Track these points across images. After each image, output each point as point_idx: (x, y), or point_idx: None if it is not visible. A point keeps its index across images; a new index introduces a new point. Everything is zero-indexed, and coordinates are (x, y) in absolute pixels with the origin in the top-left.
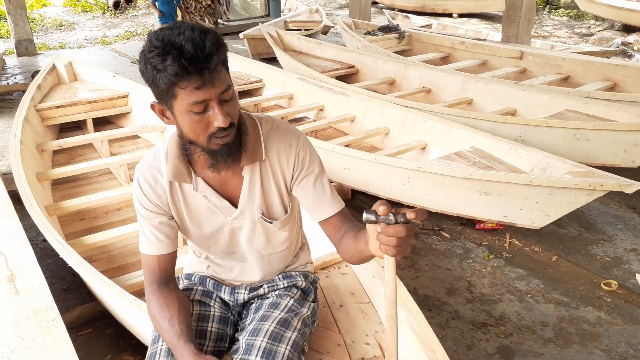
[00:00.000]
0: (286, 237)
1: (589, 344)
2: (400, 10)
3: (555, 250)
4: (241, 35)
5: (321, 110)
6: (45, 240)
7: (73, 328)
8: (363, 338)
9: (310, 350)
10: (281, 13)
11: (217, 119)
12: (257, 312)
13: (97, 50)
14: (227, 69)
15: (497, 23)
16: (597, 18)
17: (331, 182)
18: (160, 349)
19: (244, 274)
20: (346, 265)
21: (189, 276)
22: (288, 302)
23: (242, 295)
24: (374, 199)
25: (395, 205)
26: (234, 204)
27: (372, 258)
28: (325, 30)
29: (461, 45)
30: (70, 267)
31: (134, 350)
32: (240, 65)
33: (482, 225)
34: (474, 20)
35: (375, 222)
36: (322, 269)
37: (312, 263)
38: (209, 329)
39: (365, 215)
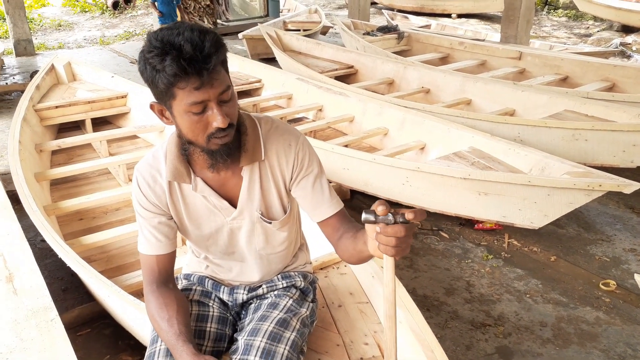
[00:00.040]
0: (285, 237)
1: (587, 344)
2: (399, 11)
3: (554, 251)
4: (240, 35)
5: (320, 110)
6: (43, 241)
7: (72, 328)
8: (362, 338)
9: (309, 351)
10: (280, 13)
11: (216, 120)
12: (256, 312)
13: (95, 50)
14: (226, 70)
15: (496, 23)
16: (595, 18)
17: (330, 182)
18: (159, 349)
19: (242, 274)
20: (345, 266)
21: (187, 276)
22: (287, 302)
23: (241, 296)
24: (373, 199)
25: (394, 206)
26: (233, 204)
27: (370, 258)
28: (324, 31)
29: (460, 46)
30: (68, 267)
31: (132, 351)
32: (239, 66)
33: (480, 225)
34: (472, 21)
35: (374, 222)
36: (321, 269)
37: (311, 263)
38: (208, 329)
39: (364, 216)
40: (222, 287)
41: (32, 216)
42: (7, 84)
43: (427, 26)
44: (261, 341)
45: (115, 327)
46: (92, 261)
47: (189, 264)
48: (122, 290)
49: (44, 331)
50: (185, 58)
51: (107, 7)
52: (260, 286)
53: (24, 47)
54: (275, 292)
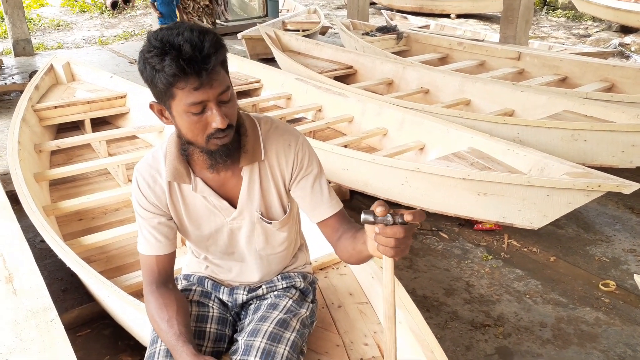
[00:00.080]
0: (285, 237)
1: (587, 344)
2: (398, 11)
3: (553, 251)
4: (239, 35)
5: (319, 110)
6: (43, 241)
7: (71, 329)
8: (362, 339)
9: (309, 351)
10: (279, 13)
11: (215, 120)
12: (255, 312)
13: (94, 50)
14: (226, 70)
15: (495, 24)
16: (594, 19)
17: (329, 183)
18: (159, 350)
19: (242, 274)
20: (345, 266)
21: (187, 277)
22: (287, 302)
23: (241, 296)
24: (373, 199)
25: (393, 206)
26: (233, 205)
27: (370, 258)
28: (324, 31)
29: (459, 46)
30: (68, 267)
31: (132, 351)
32: (239, 66)
33: (480, 225)
34: (471, 21)
35: (373, 223)
36: (321, 269)
37: (310, 264)
38: (208, 329)
39: (363, 216)
40: (222, 287)
41: (31, 216)
42: (6, 84)
43: (426, 26)
44: (261, 342)
45: (115, 328)
46: (91, 261)
47: (189, 264)
48: (121, 290)
49: (44, 332)
50: (184, 58)
51: (106, 7)
52: (260, 287)
53: (22, 47)
54: (275, 293)
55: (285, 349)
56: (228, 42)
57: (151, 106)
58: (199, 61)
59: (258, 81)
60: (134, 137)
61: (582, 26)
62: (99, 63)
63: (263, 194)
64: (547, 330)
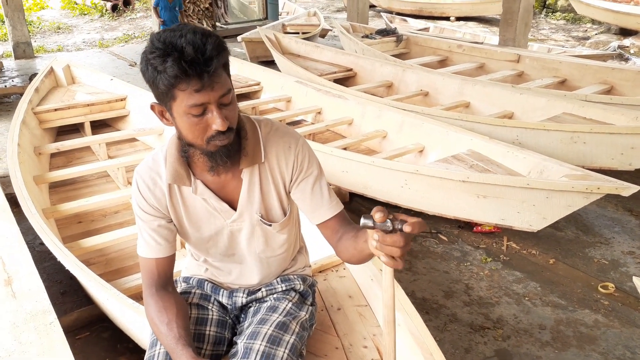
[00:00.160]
0: (285, 239)
1: (586, 346)
2: (398, 14)
3: (552, 253)
4: (239, 38)
5: (319, 113)
6: (42, 244)
7: (70, 331)
8: (361, 341)
9: (308, 354)
10: (279, 16)
11: (216, 122)
12: (255, 315)
13: (95, 53)
14: (227, 73)
15: (494, 26)
16: (593, 21)
17: (329, 185)
18: (158, 353)
19: (242, 276)
20: (344, 269)
21: (187, 279)
22: (286, 305)
23: (240, 299)
24: (372, 201)
25: (392, 208)
26: (233, 207)
27: (371, 258)
28: (323, 34)
29: (458, 49)
30: (67, 270)
31: (131, 354)
32: (238, 68)
33: (479, 228)
34: (471, 24)
35: (373, 228)
36: (320, 272)
37: (310, 266)
38: (207, 332)
39: (362, 221)
40: (222, 290)
41: (30, 219)
42: (6, 86)
43: (426, 29)
44: (260, 344)
45: (114, 331)
46: (91, 264)
47: (188, 267)
48: (121, 293)
49: (43, 334)
50: (186, 60)
51: (106, 9)
52: (259, 289)
53: (23, 50)
54: (275, 296)
55: (284, 352)
56: (228, 44)
57: (152, 107)
58: (201, 63)
59: (258, 84)
60: (133, 139)
61: (581, 29)
62: (99, 66)
63: (263, 196)
64: (546, 333)
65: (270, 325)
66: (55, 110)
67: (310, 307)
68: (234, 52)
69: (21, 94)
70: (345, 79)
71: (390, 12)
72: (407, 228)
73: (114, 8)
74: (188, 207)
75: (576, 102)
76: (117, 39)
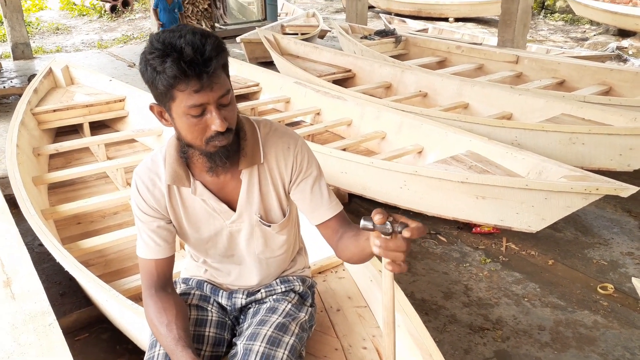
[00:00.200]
0: (284, 240)
1: (585, 347)
2: (397, 15)
3: (551, 254)
4: (238, 39)
5: (318, 114)
6: (41, 245)
7: (70, 333)
8: (360, 342)
9: (307, 355)
10: (278, 17)
11: (215, 123)
12: (254, 316)
13: (93, 54)
14: (227, 74)
15: (493, 27)
16: (592, 22)
17: (328, 186)
18: (158, 354)
19: (241, 277)
20: (343, 270)
21: (186, 280)
22: (286, 306)
23: (240, 300)
24: (371, 202)
25: (391, 209)
26: (232, 208)
27: (372, 257)
28: (322, 35)
29: (457, 50)
30: (66, 271)
31: (130, 355)
32: (237, 69)
33: (478, 229)
34: (470, 25)
35: (372, 230)
36: (320, 273)
37: (309, 267)
38: (207, 333)
39: (362, 223)
40: (221, 291)
41: (29, 220)
42: (4, 87)
43: (425, 30)
44: (260, 346)
45: (114, 332)
46: (90, 265)
47: (188, 268)
48: (120, 294)
49: (42, 336)
50: (185, 60)
51: (105, 10)
52: (258, 290)
53: (21, 51)
54: (274, 297)
55: (284, 353)
56: (227, 45)
57: (151, 108)
58: (200, 64)
59: (257, 85)
60: (132, 140)
61: (579, 30)
62: (97, 66)
63: (262, 197)
64: (546, 334)
65: (270, 327)
66: (54, 111)
67: (310, 308)
68: (232, 53)
69: (20, 95)
70: (344, 80)
71: (389, 13)
72: (406, 233)
73: (113, 9)
74: (187, 208)
75: (575, 103)
76: (115, 39)
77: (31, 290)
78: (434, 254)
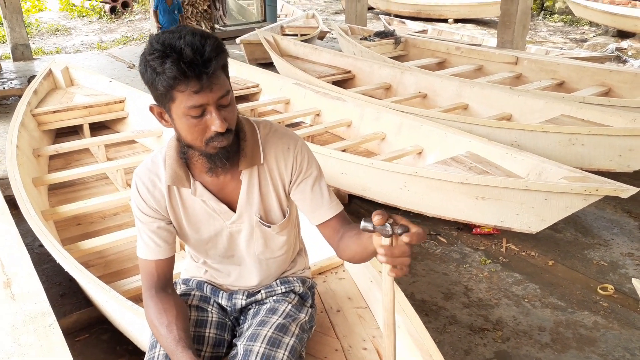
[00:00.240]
0: (284, 241)
1: (586, 348)
2: (396, 16)
3: (551, 255)
4: (238, 40)
5: (318, 115)
6: (41, 246)
7: (70, 334)
8: (360, 343)
9: (308, 356)
10: (277, 18)
11: (214, 124)
12: (255, 317)
13: (93, 55)
14: (226, 75)
15: (492, 29)
16: (591, 24)
17: (329, 186)
18: (158, 355)
19: (241, 278)
20: (343, 271)
21: (186, 281)
22: (286, 307)
23: (240, 301)
24: (371, 203)
25: (391, 210)
26: (232, 208)
27: (373, 256)
28: (322, 36)
29: (457, 51)
30: (66, 272)
31: (130, 356)
32: (237, 71)
33: (478, 230)
34: (469, 26)
35: (372, 231)
36: (320, 274)
37: (309, 268)
38: (207, 334)
39: (362, 224)
40: (221, 292)
41: (29, 221)
42: (4, 88)
43: (424, 31)
44: (260, 346)
45: (114, 333)
46: (90, 266)
47: (188, 268)
48: (120, 295)
49: (42, 336)
50: (185, 61)
51: (104, 11)
52: (259, 291)
53: (21, 52)
54: (274, 298)
55: (284, 354)
56: (226, 46)
57: (151, 109)
58: (200, 65)
59: (256, 86)
60: (132, 141)
61: (579, 31)
62: (97, 68)
63: (262, 198)
64: (546, 334)
65: (270, 327)
66: (54, 112)
67: (310, 309)
68: (232, 54)
69: (20, 96)
70: (344, 81)
71: (389, 14)
72: (405, 239)
73: (113, 10)
74: (187, 209)
75: (574, 104)
76: (115, 40)
77: (31, 291)
78: (434, 255)
